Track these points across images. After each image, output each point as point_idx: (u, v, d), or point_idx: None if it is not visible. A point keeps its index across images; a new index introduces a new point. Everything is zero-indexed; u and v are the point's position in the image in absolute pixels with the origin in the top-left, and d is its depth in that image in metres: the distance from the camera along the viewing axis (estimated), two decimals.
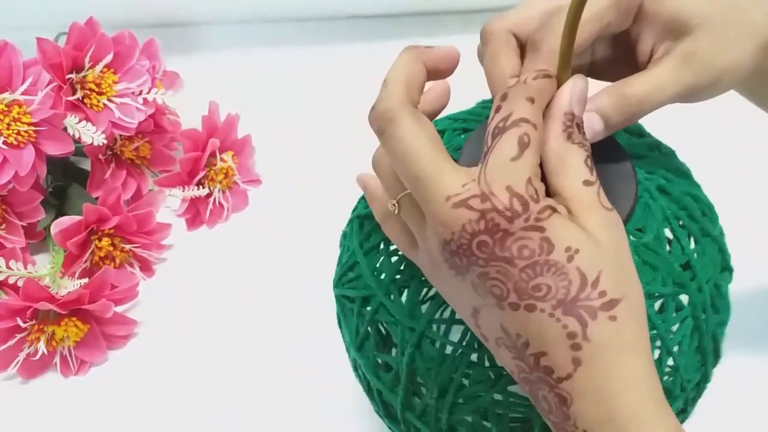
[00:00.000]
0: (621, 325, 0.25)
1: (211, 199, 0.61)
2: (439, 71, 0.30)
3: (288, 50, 0.78)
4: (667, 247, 0.32)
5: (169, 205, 0.62)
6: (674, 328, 0.32)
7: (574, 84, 0.27)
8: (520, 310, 0.25)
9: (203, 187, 0.60)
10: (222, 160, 0.62)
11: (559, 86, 0.28)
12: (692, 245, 0.34)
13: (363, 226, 0.37)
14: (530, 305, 0.25)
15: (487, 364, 0.32)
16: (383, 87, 0.28)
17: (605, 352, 0.25)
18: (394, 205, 0.28)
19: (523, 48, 0.31)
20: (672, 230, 0.33)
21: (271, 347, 0.53)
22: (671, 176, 0.35)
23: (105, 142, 0.54)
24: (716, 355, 0.35)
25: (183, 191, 0.60)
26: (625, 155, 0.32)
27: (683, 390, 0.33)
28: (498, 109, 0.26)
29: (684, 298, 0.32)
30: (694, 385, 0.34)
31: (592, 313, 0.24)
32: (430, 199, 0.26)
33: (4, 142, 0.50)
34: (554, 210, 0.25)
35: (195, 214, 0.62)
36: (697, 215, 0.34)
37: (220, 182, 0.62)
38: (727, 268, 0.35)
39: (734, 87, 0.33)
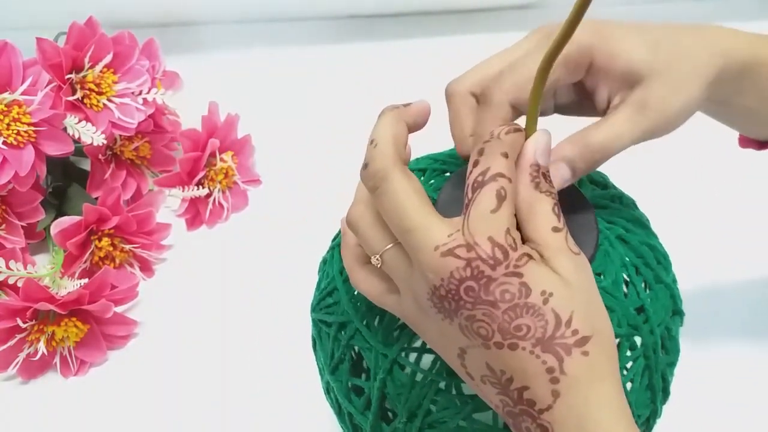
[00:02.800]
0: (593, 358, 0.27)
1: (211, 199, 0.61)
2: (417, 125, 0.32)
3: (288, 50, 0.79)
4: (624, 292, 0.35)
5: (169, 205, 0.62)
6: (627, 366, 0.35)
7: (537, 138, 0.30)
8: (504, 349, 0.27)
9: (203, 187, 0.60)
10: (222, 160, 0.62)
11: (527, 138, 0.30)
12: (646, 291, 0.36)
13: None
14: (513, 344, 0.27)
15: (454, 392, 0.34)
16: (372, 147, 0.30)
17: (580, 383, 0.27)
18: (377, 259, 0.30)
19: None
20: (628, 276, 0.36)
21: (272, 347, 0.53)
22: (630, 226, 0.38)
23: (105, 142, 0.54)
24: (665, 393, 0.38)
25: (183, 191, 0.60)
26: (589, 207, 0.35)
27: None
28: (476, 164, 0.29)
29: (637, 339, 0.35)
30: (645, 420, 0.37)
31: (567, 349, 0.27)
32: (420, 248, 0.28)
33: (4, 142, 0.50)
34: (530, 257, 0.27)
35: (195, 214, 0.62)
36: (652, 263, 0.37)
37: (220, 182, 0.62)
38: (678, 313, 0.38)
39: (687, 120, 0.35)
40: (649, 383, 0.36)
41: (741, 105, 0.36)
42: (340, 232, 0.41)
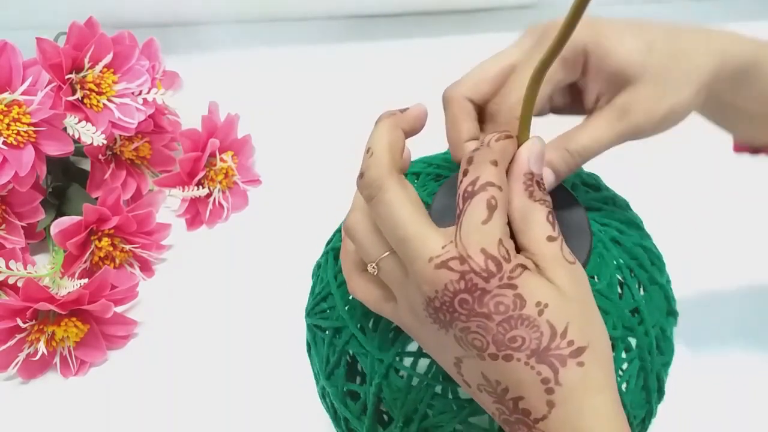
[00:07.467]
0: (588, 369, 0.27)
1: (211, 199, 0.61)
2: (415, 130, 0.32)
3: (288, 50, 0.79)
4: (618, 293, 0.35)
5: (169, 205, 0.62)
6: (623, 367, 0.35)
7: (531, 146, 0.30)
8: (499, 360, 0.27)
9: (203, 187, 0.60)
10: (222, 160, 0.62)
11: (519, 145, 0.30)
12: (641, 292, 0.36)
13: (337, 258, 0.38)
14: (508, 355, 0.27)
15: (450, 396, 0.34)
16: (368, 156, 0.30)
17: (576, 394, 0.27)
18: (374, 267, 0.30)
19: (479, 110, 0.35)
20: (623, 278, 0.36)
21: (273, 346, 0.53)
22: (624, 228, 0.38)
23: (105, 142, 0.54)
24: (660, 393, 0.38)
25: (183, 191, 0.60)
26: (581, 210, 0.35)
27: (630, 425, 0.35)
28: (465, 173, 0.29)
29: (632, 341, 0.35)
30: (640, 420, 0.37)
31: (562, 360, 0.27)
32: (414, 259, 0.28)
33: (4, 142, 0.50)
34: (525, 267, 0.27)
35: (195, 214, 0.62)
36: (647, 265, 0.37)
37: (220, 182, 0.62)
38: (672, 313, 0.38)
39: (678, 123, 0.35)
40: (644, 384, 0.36)
41: (737, 107, 0.36)
42: (333, 236, 0.41)
